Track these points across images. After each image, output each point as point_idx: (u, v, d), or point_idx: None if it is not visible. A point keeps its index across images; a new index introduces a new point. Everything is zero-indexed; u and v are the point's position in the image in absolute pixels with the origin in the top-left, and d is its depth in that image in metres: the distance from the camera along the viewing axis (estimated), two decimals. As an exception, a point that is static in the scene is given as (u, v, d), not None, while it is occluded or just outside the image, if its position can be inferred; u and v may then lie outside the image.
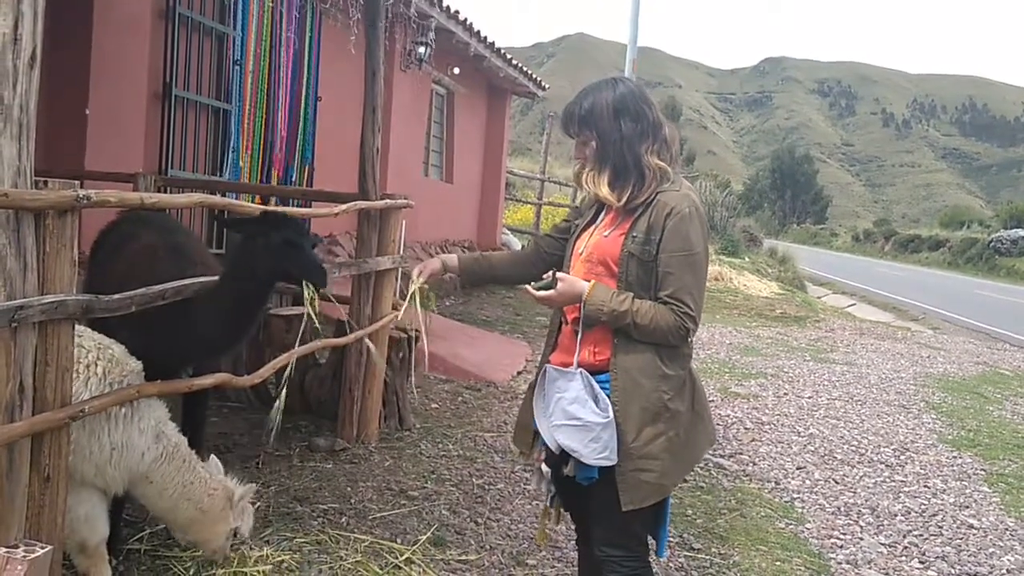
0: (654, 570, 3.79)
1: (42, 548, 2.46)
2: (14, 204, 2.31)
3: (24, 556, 2.39)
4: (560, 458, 2.53)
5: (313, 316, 3.56)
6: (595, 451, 2.41)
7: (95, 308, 2.69)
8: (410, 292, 2.76)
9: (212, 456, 3.32)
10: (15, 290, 2.37)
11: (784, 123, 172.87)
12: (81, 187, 2.53)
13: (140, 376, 2.98)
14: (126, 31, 6.33)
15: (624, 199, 2.49)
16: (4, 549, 2.40)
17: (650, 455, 2.43)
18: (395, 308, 5.32)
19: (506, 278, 3.03)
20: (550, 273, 2.53)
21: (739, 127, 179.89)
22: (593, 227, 2.62)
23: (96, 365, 2.84)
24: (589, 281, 2.48)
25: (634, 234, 2.46)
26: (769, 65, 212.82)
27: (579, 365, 2.52)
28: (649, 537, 2.66)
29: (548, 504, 2.75)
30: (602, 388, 2.47)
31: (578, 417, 2.43)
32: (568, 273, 2.58)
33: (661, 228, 2.42)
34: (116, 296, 2.83)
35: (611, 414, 2.42)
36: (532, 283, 2.57)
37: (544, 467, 2.63)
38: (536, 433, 2.64)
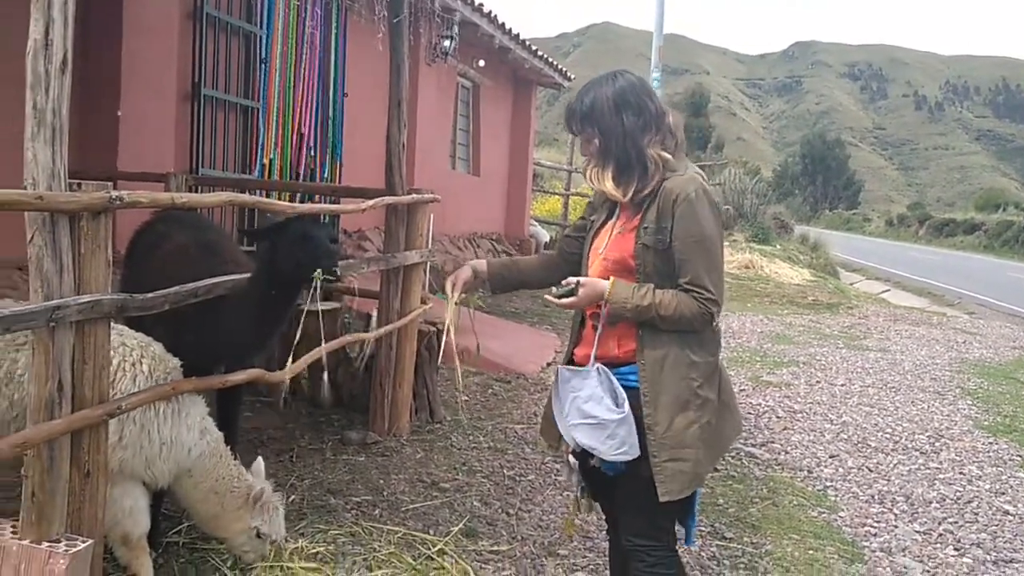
0: (684, 559, 3.82)
1: (83, 542, 2.54)
2: (49, 207, 2.37)
3: (66, 550, 2.46)
4: (586, 451, 2.54)
5: (318, 304, 3.43)
6: (613, 447, 2.42)
7: (129, 307, 2.75)
8: (449, 305, 2.72)
9: (259, 458, 3.39)
10: (52, 290, 2.43)
11: (814, 108, 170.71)
12: (114, 188, 2.59)
13: (180, 373, 3.05)
14: (155, 33, 6.42)
15: (629, 194, 2.49)
16: (47, 543, 2.47)
17: (684, 444, 2.43)
18: (423, 302, 5.36)
19: (536, 283, 2.96)
20: (570, 280, 2.54)
21: (768, 113, 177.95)
22: (610, 224, 2.63)
23: (141, 363, 2.92)
24: (609, 279, 2.48)
25: (645, 225, 2.47)
26: (798, 49, 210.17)
27: (601, 359, 2.52)
28: (677, 525, 2.67)
29: (579, 495, 2.77)
30: (628, 380, 2.47)
31: (593, 415, 2.45)
32: (587, 272, 2.60)
33: (671, 215, 2.42)
34: (150, 295, 2.89)
35: (627, 409, 2.42)
36: (553, 291, 2.59)
37: (571, 459, 2.65)
38: None
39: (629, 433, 2.42)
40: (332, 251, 3.25)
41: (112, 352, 2.79)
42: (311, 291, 3.25)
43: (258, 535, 3.18)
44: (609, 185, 2.51)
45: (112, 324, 2.74)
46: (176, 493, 3.16)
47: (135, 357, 2.92)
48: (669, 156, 2.50)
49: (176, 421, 2.96)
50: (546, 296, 2.62)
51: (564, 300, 2.54)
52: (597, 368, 2.50)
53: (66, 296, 2.46)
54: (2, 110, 4.98)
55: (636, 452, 2.43)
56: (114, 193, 2.54)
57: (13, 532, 2.51)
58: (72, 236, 2.49)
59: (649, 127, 2.50)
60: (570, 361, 2.69)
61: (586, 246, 2.73)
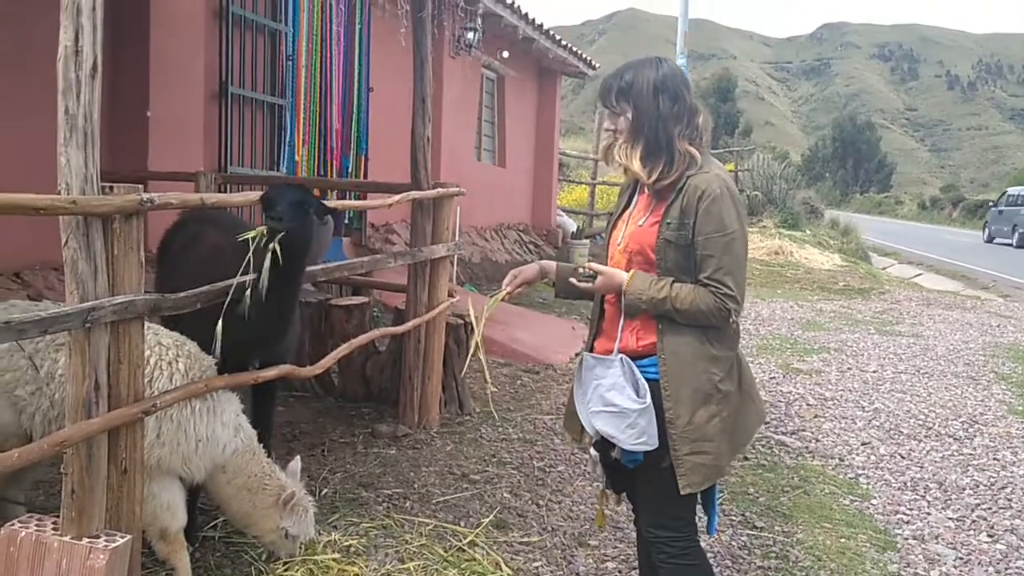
0: (715, 549, 3.82)
1: (122, 537, 2.60)
2: (83, 210, 2.42)
3: (105, 545, 2.52)
4: (606, 442, 2.56)
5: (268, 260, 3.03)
6: (632, 436, 2.44)
7: (162, 307, 2.81)
8: (495, 298, 2.70)
9: (296, 457, 3.44)
10: (87, 292, 2.48)
11: (844, 90, 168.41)
12: (145, 188, 2.64)
13: (214, 371, 3.10)
14: (182, 32, 6.49)
15: (654, 177, 2.49)
16: (87, 539, 2.53)
17: (705, 437, 2.44)
18: (450, 295, 5.39)
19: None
20: (590, 266, 2.58)
21: (797, 96, 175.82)
22: (627, 215, 2.64)
23: (177, 362, 2.98)
24: (628, 271, 2.50)
25: (668, 220, 2.47)
26: (827, 31, 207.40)
27: (622, 351, 2.54)
28: (700, 515, 2.68)
29: (604, 487, 2.78)
30: (648, 373, 2.49)
31: (615, 404, 2.46)
32: (608, 263, 2.62)
33: (694, 211, 2.43)
34: (181, 294, 2.94)
35: (649, 400, 2.44)
36: (578, 272, 2.62)
37: (593, 451, 2.67)
38: None
39: (649, 424, 2.44)
40: (269, 202, 3.05)
41: (148, 351, 2.86)
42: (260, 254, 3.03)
43: (287, 535, 3.23)
44: (637, 164, 2.51)
45: (147, 323, 2.80)
46: (210, 489, 3.23)
47: (171, 356, 2.98)
48: (696, 153, 2.51)
49: (211, 418, 3.02)
50: (570, 279, 2.63)
51: (584, 284, 2.59)
52: (620, 358, 2.52)
53: (101, 297, 2.51)
54: (33, 115, 5.09)
55: (655, 443, 2.45)
56: (145, 196, 2.59)
57: (54, 528, 2.57)
58: (105, 238, 2.54)
59: (681, 117, 2.51)
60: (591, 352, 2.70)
61: (607, 238, 2.75)
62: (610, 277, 2.52)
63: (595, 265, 2.58)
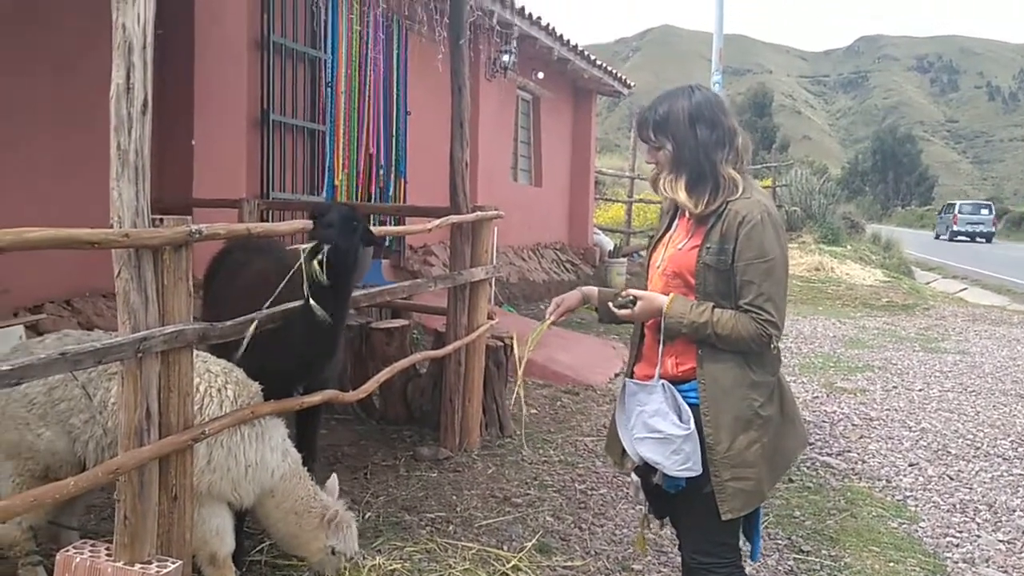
0: (761, 574, 3.78)
1: (173, 563, 2.64)
2: (135, 243, 2.48)
3: (157, 571, 2.57)
4: (648, 468, 2.55)
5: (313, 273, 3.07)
6: (677, 463, 2.43)
7: (211, 335, 2.86)
8: (539, 329, 2.73)
9: (333, 475, 3.47)
10: (139, 322, 2.54)
11: (883, 103, 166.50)
12: (190, 216, 2.70)
13: (261, 397, 3.15)
14: (225, 62, 6.63)
15: (701, 207, 2.49)
16: (139, 565, 2.58)
17: (746, 463, 2.43)
18: (490, 317, 5.42)
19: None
20: (629, 291, 2.58)
21: (835, 110, 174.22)
22: (667, 238, 2.64)
23: (226, 388, 3.03)
24: (668, 295, 2.50)
25: (708, 245, 2.47)
26: (864, 44, 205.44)
27: (661, 377, 2.53)
28: (743, 541, 2.66)
29: (646, 511, 2.77)
30: (687, 398, 2.48)
31: (659, 430, 2.46)
32: (647, 287, 2.62)
33: (735, 237, 2.42)
34: (229, 323, 2.99)
35: (693, 426, 2.43)
36: (612, 302, 2.62)
37: (635, 476, 2.66)
38: None
39: (694, 450, 2.43)
40: (320, 215, 3.09)
41: (198, 378, 2.91)
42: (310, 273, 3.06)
43: (333, 552, 3.27)
44: (683, 195, 2.51)
45: (195, 351, 2.85)
46: (258, 513, 3.27)
47: (220, 383, 3.03)
48: (738, 177, 2.51)
49: (260, 444, 3.07)
50: (607, 304, 2.64)
51: (622, 312, 2.58)
52: (662, 384, 2.52)
53: (151, 327, 2.57)
54: (84, 149, 5.23)
55: (699, 469, 2.44)
56: (194, 227, 2.65)
57: (107, 554, 2.62)
58: (156, 269, 2.60)
59: (722, 143, 2.51)
60: (631, 378, 2.70)
61: (646, 261, 2.75)
62: (650, 301, 2.52)
63: (634, 291, 2.58)
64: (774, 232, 2.45)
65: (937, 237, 42.07)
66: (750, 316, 2.41)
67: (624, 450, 2.69)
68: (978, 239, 40.24)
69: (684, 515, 2.62)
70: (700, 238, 2.50)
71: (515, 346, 2.80)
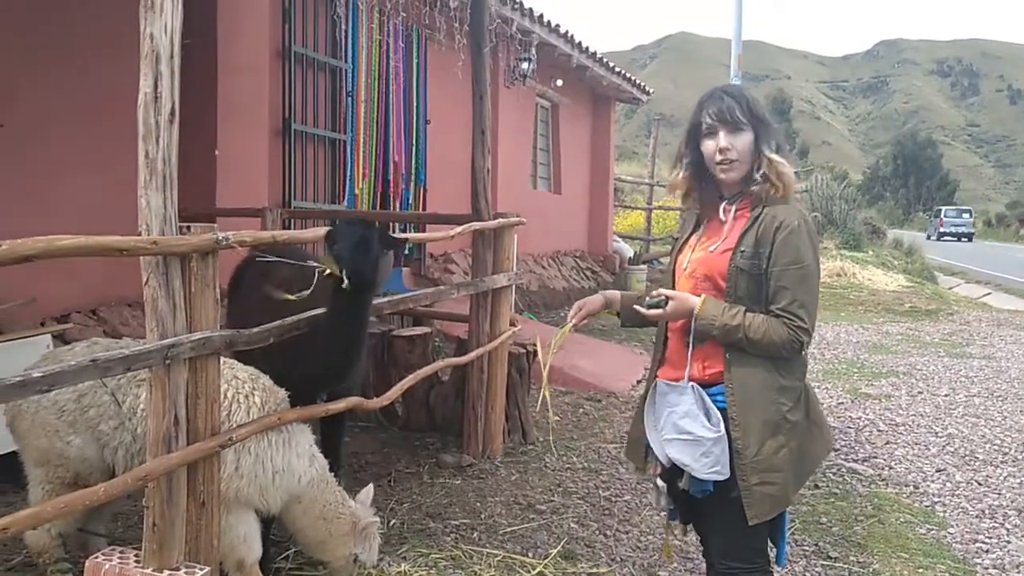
0: (790, 581, 3.74)
1: (201, 569, 2.65)
2: (163, 251, 2.50)
3: (186, 577, 2.57)
4: (674, 472, 2.53)
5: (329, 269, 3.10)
6: (706, 465, 2.41)
7: (237, 342, 2.87)
8: (565, 328, 2.74)
9: (369, 485, 3.47)
10: (167, 330, 2.56)
11: (903, 107, 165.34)
12: (215, 224, 2.71)
13: (287, 404, 3.16)
14: (247, 73, 6.67)
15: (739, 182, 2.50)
16: (168, 571, 2.59)
17: (774, 468, 2.41)
18: (512, 324, 5.41)
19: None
20: (660, 291, 2.56)
21: (854, 115, 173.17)
22: (694, 240, 2.63)
23: (253, 395, 3.04)
24: (699, 296, 2.48)
25: (742, 248, 2.45)
26: (883, 48, 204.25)
27: (690, 380, 2.52)
28: (769, 546, 2.63)
29: (669, 518, 2.75)
30: (716, 402, 2.47)
31: (689, 431, 2.44)
32: (673, 288, 2.59)
33: (771, 242, 2.41)
34: (255, 329, 3.01)
35: (723, 429, 2.41)
36: (645, 300, 2.60)
37: (660, 481, 2.64)
38: (648, 447, 2.65)
39: (723, 453, 2.42)
40: (332, 241, 3.08)
41: (225, 385, 2.92)
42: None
43: (355, 560, 3.27)
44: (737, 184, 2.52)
45: (222, 358, 2.87)
46: (285, 520, 3.27)
47: (247, 389, 3.04)
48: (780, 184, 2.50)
49: (287, 450, 3.07)
50: (635, 307, 2.62)
51: (653, 311, 2.55)
52: (692, 386, 2.50)
53: (179, 334, 2.58)
54: (112, 158, 5.27)
55: (727, 473, 2.42)
56: (220, 235, 2.66)
57: (136, 561, 2.64)
58: (183, 277, 2.62)
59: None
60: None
61: (671, 263, 2.72)
62: (682, 302, 2.49)
63: (666, 291, 2.56)
64: (809, 240, 2.44)
65: (928, 238, 46.67)
66: (782, 321, 2.39)
67: (645, 454, 2.68)
68: (962, 239, 47.33)
69: (711, 520, 2.60)
70: (733, 241, 2.48)
71: (538, 351, 2.79)
